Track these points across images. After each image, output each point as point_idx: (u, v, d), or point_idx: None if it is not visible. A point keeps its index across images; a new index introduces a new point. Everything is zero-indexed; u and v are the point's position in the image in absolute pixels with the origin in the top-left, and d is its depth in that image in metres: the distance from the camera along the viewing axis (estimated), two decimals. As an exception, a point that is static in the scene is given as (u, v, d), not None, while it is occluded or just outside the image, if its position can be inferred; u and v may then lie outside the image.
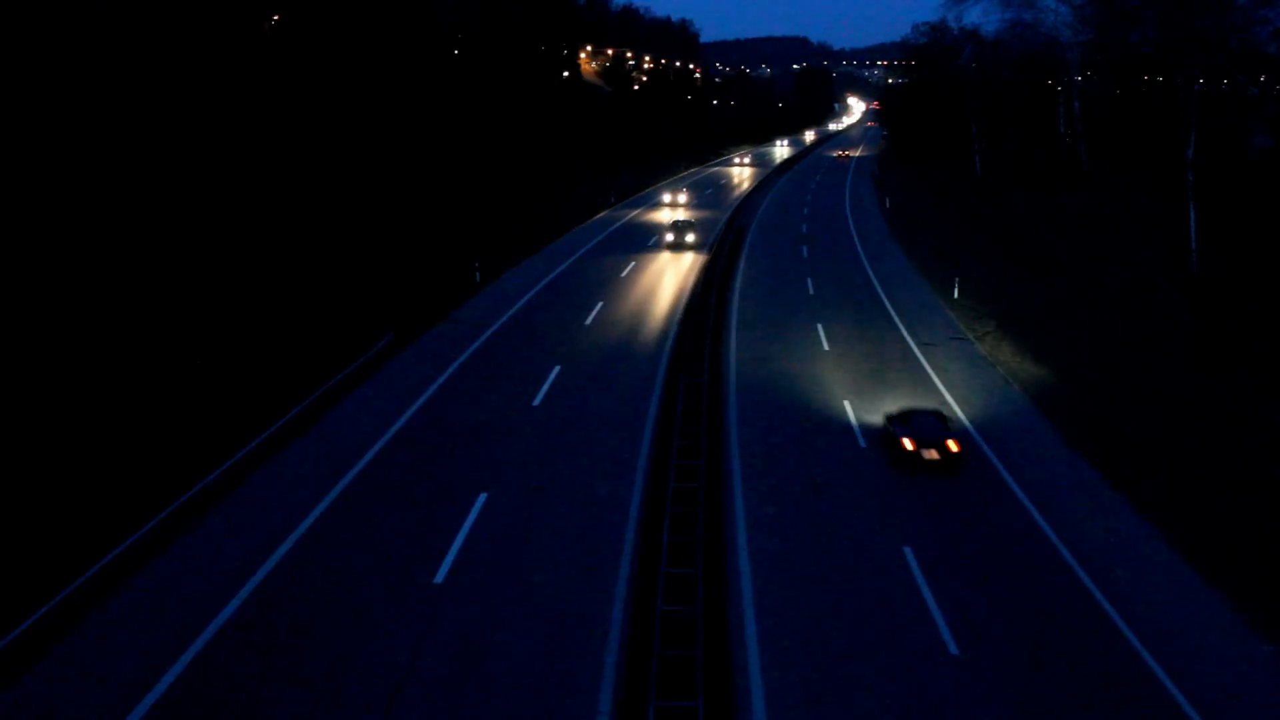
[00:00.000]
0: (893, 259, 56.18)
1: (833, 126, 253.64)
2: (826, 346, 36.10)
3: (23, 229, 31.76)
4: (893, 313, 41.75)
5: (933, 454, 24.33)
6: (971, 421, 28.25)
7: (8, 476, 21.59)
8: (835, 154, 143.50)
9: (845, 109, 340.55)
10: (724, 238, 60.29)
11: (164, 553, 19.43)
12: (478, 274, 46.89)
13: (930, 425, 25.03)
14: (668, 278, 48.81)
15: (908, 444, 24.47)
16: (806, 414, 28.51)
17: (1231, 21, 44.41)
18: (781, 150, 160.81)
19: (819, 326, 39.06)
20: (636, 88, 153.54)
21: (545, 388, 30.41)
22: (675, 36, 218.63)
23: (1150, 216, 48.18)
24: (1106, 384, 31.47)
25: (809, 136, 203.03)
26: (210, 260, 38.21)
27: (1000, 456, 25.74)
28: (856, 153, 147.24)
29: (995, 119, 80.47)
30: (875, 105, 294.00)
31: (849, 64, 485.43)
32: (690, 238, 57.26)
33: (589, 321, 39.21)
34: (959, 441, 24.76)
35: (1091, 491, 23.72)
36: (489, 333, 37.08)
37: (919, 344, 36.57)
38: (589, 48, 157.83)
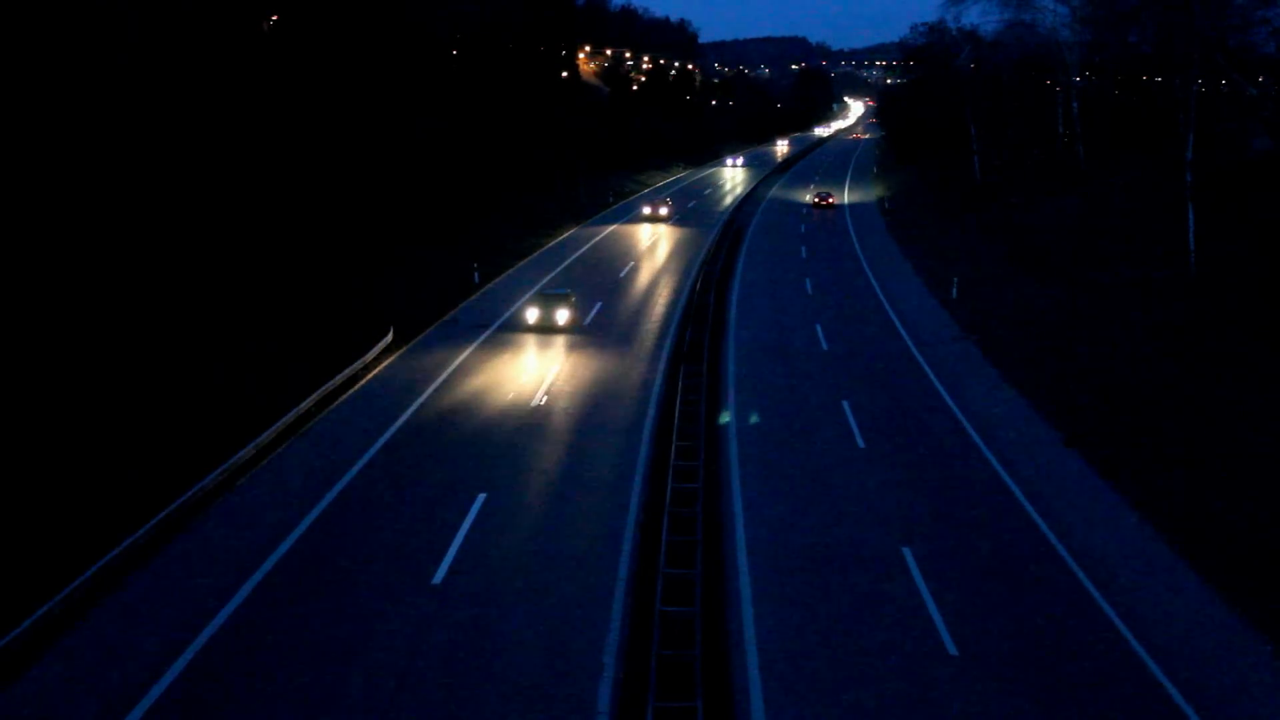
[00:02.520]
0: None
1: (819, 131, 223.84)
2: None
3: (22, 231, 31.71)
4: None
5: (824, 203, 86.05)
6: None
7: (9, 478, 21.56)
8: (853, 136, 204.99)
9: (844, 109, 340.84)
10: None
11: (161, 553, 19.40)
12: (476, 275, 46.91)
13: (826, 194, 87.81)
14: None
15: (817, 199, 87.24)
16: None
17: (1230, 22, 44.41)
18: (734, 173, 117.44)
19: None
20: (635, 88, 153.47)
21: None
22: (674, 36, 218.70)
23: (1148, 216, 48.16)
24: (1102, 380, 31.48)
25: (781, 148, 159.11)
26: (210, 261, 38.17)
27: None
28: (864, 137, 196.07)
29: (994, 119, 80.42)
30: (870, 102, 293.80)
31: (847, 64, 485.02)
32: None
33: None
34: (836, 199, 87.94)
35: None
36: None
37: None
38: (587, 47, 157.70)
